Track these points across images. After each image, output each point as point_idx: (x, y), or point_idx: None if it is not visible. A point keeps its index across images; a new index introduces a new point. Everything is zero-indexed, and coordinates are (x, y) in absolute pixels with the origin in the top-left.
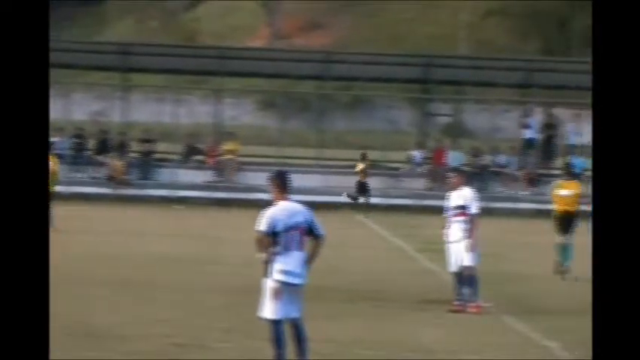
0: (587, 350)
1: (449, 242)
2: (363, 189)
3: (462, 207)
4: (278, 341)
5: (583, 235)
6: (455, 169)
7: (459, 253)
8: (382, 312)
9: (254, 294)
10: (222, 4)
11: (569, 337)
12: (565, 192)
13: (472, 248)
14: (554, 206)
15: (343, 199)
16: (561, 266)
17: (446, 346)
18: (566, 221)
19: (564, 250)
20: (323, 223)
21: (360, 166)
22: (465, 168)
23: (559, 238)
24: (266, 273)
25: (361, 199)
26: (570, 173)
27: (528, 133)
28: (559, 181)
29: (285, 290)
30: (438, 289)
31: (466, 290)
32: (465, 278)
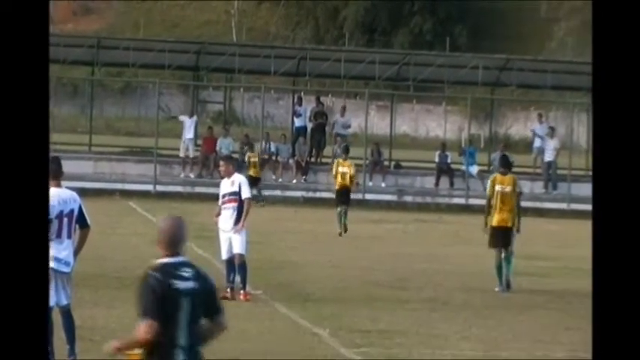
0: (357, 336)
1: (220, 230)
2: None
3: (233, 194)
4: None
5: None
6: (225, 157)
7: (230, 240)
8: None
9: None
10: None
11: (337, 324)
12: (499, 187)
13: (240, 230)
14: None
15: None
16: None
17: None
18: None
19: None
20: (93, 209)
21: (253, 158)
22: (235, 155)
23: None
24: None
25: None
26: (507, 165)
27: (299, 122)
28: (495, 175)
29: (55, 277)
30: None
31: (237, 278)
32: (236, 266)
